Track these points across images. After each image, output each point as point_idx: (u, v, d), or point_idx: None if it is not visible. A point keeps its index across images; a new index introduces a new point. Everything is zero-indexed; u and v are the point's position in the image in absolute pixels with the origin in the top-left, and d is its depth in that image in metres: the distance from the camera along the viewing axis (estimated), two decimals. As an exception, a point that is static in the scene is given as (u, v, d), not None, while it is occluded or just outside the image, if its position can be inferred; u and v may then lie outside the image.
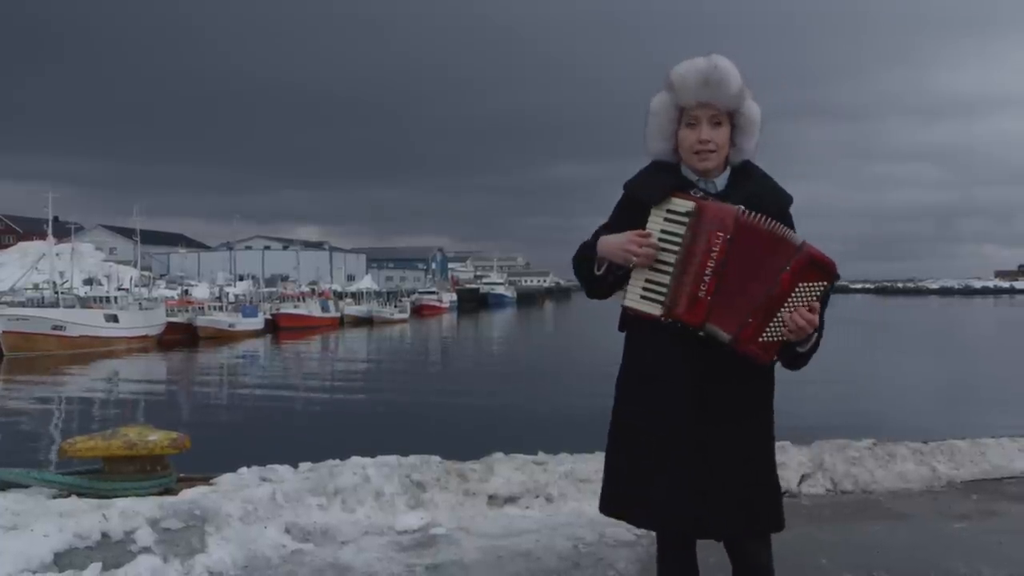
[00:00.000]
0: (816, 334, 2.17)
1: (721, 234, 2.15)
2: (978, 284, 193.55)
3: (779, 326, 2.15)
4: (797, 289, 2.13)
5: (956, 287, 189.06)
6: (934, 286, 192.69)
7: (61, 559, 3.22)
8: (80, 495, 3.86)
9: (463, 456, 4.82)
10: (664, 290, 2.19)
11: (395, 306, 71.89)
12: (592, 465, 4.75)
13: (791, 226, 2.25)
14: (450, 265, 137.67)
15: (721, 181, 2.30)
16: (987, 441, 5.57)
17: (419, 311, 76.59)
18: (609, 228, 2.33)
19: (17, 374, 28.94)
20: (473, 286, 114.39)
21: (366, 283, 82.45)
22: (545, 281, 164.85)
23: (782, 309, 2.13)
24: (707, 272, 2.16)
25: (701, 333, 2.19)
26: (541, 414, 18.03)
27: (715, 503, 2.18)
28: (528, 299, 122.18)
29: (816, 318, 2.12)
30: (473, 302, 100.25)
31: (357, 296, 73.41)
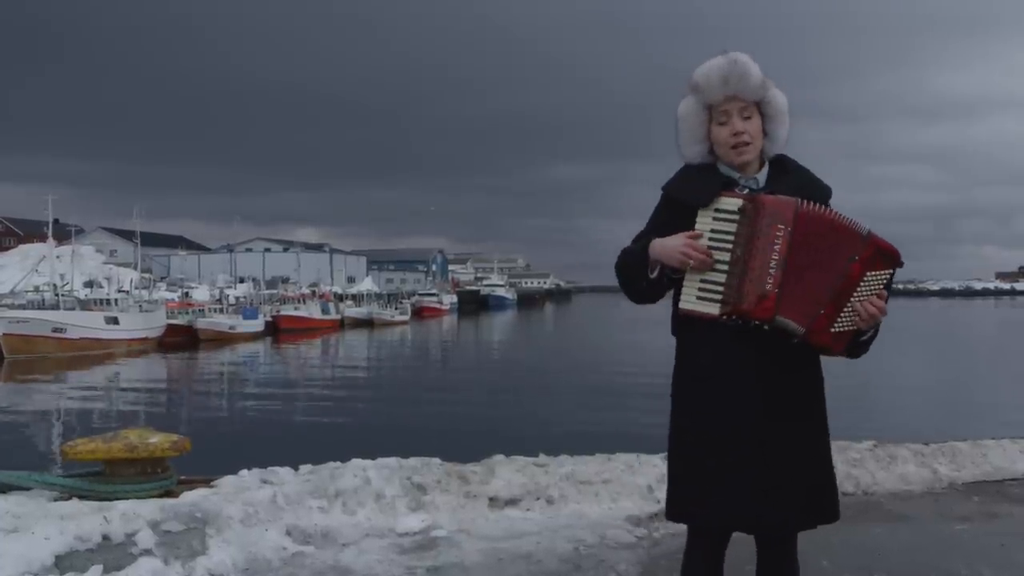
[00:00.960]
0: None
1: (782, 226, 2.15)
2: (979, 286, 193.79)
3: (850, 315, 2.16)
4: (866, 278, 2.15)
5: (957, 288, 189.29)
6: (935, 287, 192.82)
7: (62, 561, 3.22)
8: (81, 497, 3.86)
9: (464, 458, 4.82)
10: (721, 289, 2.18)
11: (395, 308, 71.89)
12: (593, 467, 4.75)
13: None
14: (450, 267, 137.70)
15: (760, 177, 2.31)
16: (988, 443, 5.56)
17: (419, 313, 76.62)
18: (650, 233, 2.33)
19: (17, 376, 28.93)
20: (473, 288, 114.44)
21: (366, 285, 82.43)
22: (545, 283, 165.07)
23: (852, 299, 2.15)
24: (772, 266, 2.15)
25: (766, 327, 2.18)
26: (542, 416, 18.02)
27: (776, 500, 2.19)
28: (528, 301, 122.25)
29: (885, 306, 2.16)
30: (473, 304, 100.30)
31: (357, 298, 73.40)
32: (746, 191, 2.25)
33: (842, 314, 2.16)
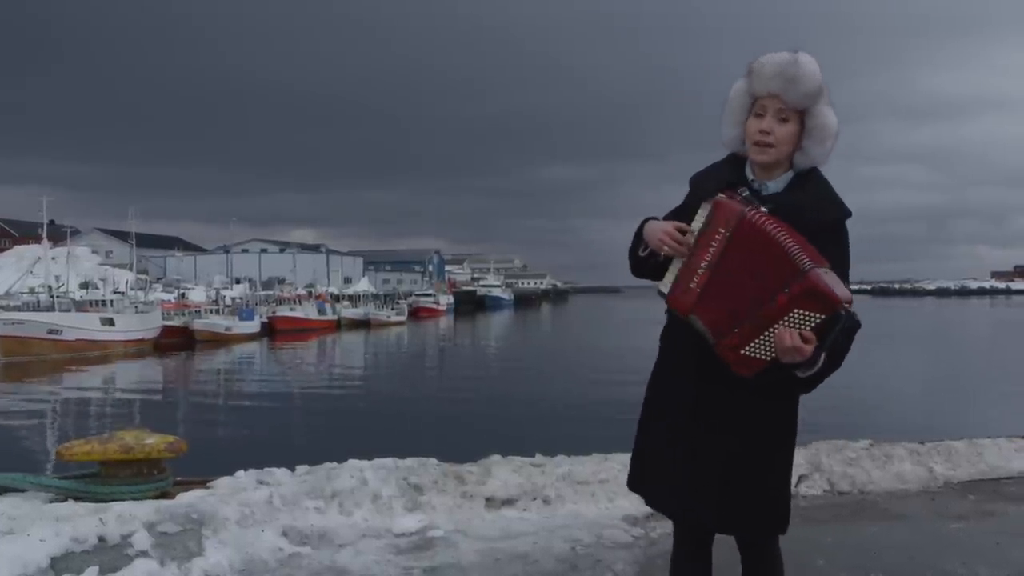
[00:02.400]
0: (819, 363, 2.07)
1: (723, 230, 2.13)
2: (974, 285, 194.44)
3: (766, 344, 2.07)
4: (792, 314, 2.04)
5: (952, 288, 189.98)
6: (930, 287, 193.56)
7: (58, 563, 3.21)
8: (77, 499, 3.85)
9: (460, 458, 4.82)
10: (673, 278, 2.23)
11: (392, 309, 71.87)
12: (589, 467, 4.75)
13: (838, 239, 2.20)
14: (447, 267, 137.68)
15: (780, 184, 2.26)
16: (984, 441, 5.57)
17: (416, 313, 76.58)
18: (669, 215, 2.38)
19: (13, 378, 28.87)
20: (470, 288, 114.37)
21: (363, 285, 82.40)
22: (542, 283, 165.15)
23: (772, 328, 2.05)
24: (702, 265, 2.16)
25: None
26: (538, 416, 18.03)
27: (700, 499, 2.25)
28: (525, 301, 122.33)
29: (808, 348, 2.02)
30: (470, 304, 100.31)
31: (354, 299, 73.34)
32: (745, 192, 2.22)
33: (758, 340, 2.08)
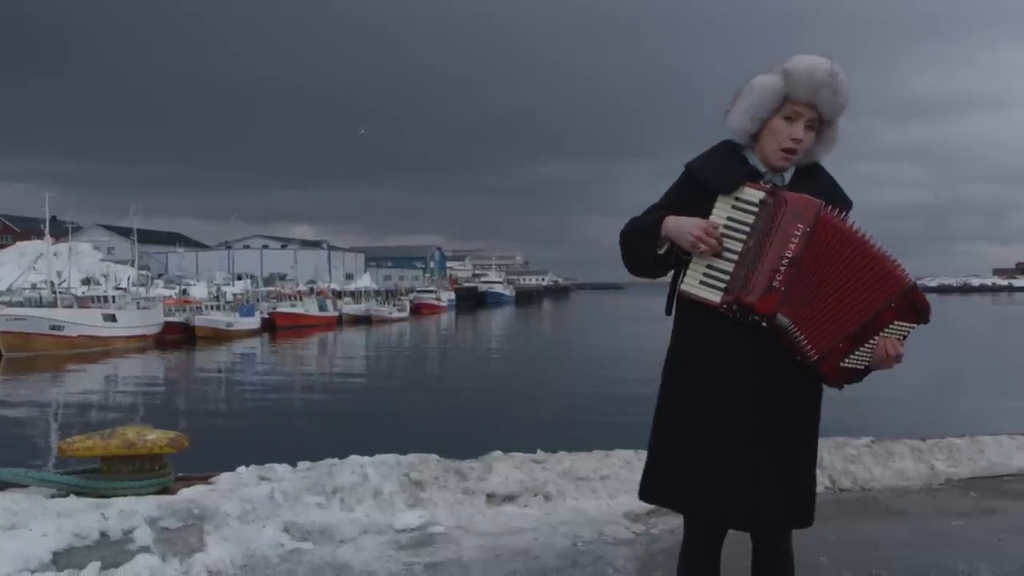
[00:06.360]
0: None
1: (801, 226, 2.10)
2: (976, 282, 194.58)
3: (865, 354, 2.13)
4: (893, 325, 2.11)
5: (954, 285, 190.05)
6: (932, 284, 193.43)
7: (60, 558, 3.22)
8: (78, 494, 3.86)
9: (462, 455, 4.82)
10: (726, 277, 2.15)
11: (394, 305, 71.86)
12: (591, 463, 4.75)
13: None
14: (448, 264, 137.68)
15: (788, 177, 2.28)
16: (985, 439, 5.57)
17: (418, 310, 76.60)
18: (664, 208, 2.28)
19: (15, 374, 28.89)
20: (471, 285, 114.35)
21: (364, 282, 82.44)
22: (544, 280, 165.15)
23: (873, 340, 2.11)
24: (783, 263, 2.10)
25: (764, 324, 2.14)
26: (539, 412, 18.03)
27: (762, 496, 2.19)
28: (527, 298, 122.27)
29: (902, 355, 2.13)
30: (471, 301, 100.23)
31: (356, 295, 73.38)
32: (770, 185, 2.21)
33: (859, 351, 2.13)
